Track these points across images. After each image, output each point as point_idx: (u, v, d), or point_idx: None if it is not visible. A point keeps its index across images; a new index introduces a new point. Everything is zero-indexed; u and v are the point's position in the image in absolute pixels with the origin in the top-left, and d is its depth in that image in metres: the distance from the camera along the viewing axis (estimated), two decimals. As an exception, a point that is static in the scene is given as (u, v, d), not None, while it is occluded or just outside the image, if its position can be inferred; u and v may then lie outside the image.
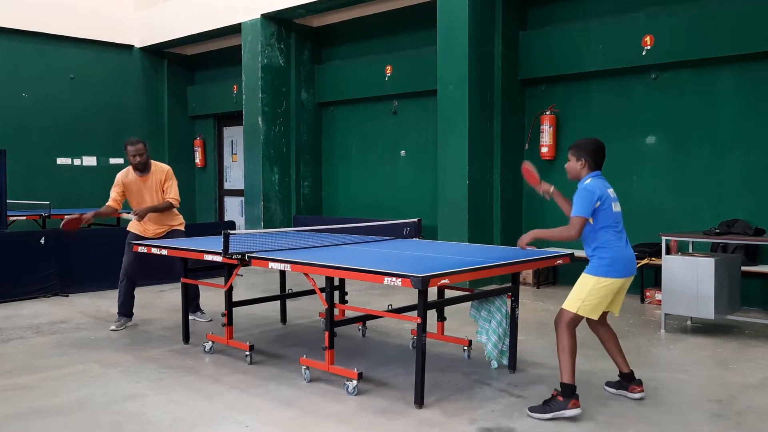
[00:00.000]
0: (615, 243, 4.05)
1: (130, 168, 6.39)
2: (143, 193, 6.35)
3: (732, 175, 7.43)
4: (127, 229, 6.47)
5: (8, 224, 8.91)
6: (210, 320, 6.62)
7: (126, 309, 6.41)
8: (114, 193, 6.37)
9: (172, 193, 6.39)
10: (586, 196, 4.01)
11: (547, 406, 3.98)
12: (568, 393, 3.97)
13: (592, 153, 4.14)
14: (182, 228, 6.56)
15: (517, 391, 4.46)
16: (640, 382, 4.33)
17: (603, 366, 4.83)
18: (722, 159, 7.49)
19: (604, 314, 4.26)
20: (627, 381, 4.33)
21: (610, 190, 4.12)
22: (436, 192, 8.81)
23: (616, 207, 4.11)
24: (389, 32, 10.64)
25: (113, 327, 6.33)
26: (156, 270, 7.16)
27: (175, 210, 6.54)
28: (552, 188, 4.49)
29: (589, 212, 4.00)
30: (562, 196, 4.43)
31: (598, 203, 4.00)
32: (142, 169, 6.33)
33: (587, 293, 4.05)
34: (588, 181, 4.11)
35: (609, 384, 4.46)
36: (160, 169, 6.43)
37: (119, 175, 6.43)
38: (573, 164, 4.20)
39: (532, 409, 4.03)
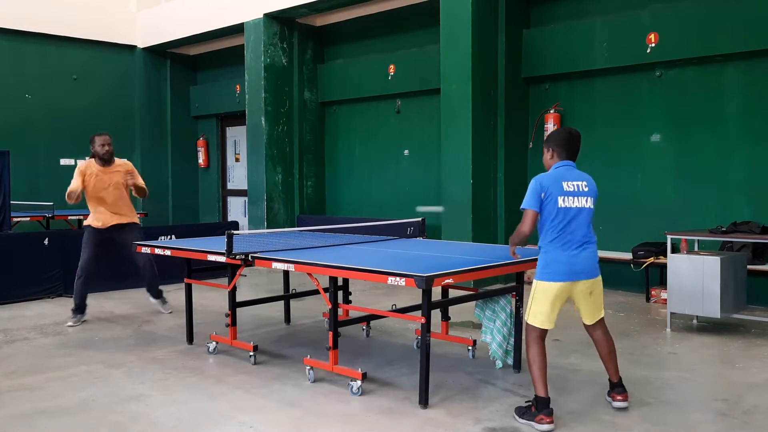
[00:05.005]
0: (552, 242, 3.84)
1: (91, 160, 6.57)
2: (106, 183, 6.50)
3: (738, 172, 7.38)
4: (85, 224, 6.61)
5: (12, 225, 8.92)
6: (170, 312, 6.81)
7: (83, 306, 6.59)
8: (77, 180, 6.43)
9: (143, 183, 6.71)
10: (531, 187, 3.86)
11: (524, 412, 3.89)
12: (540, 406, 3.81)
13: (561, 142, 3.99)
14: (139, 223, 6.86)
15: (521, 391, 4.44)
16: (623, 391, 4.12)
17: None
18: (728, 157, 7.45)
19: (600, 320, 4.10)
20: (611, 388, 4.16)
21: (574, 183, 3.88)
22: (440, 191, 8.79)
23: (566, 202, 3.84)
24: (392, 31, 10.62)
25: (70, 323, 6.49)
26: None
27: (131, 203, 6.80)
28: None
29: (535, 204, 3.82)
30: None
31: (543, 195, 3.82)
32: (108, 159, 6.54)
33: (532, 299, 3.89)
34: (549, 171, 3.96)
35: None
36: (123, 162, 6.71)
37: (80, 166, 6.55)
38: (544, 155, 4.11)
39: (517, 410, 3.95)
